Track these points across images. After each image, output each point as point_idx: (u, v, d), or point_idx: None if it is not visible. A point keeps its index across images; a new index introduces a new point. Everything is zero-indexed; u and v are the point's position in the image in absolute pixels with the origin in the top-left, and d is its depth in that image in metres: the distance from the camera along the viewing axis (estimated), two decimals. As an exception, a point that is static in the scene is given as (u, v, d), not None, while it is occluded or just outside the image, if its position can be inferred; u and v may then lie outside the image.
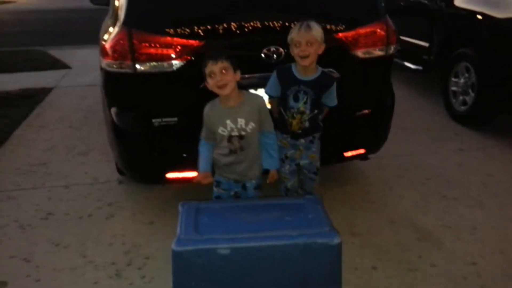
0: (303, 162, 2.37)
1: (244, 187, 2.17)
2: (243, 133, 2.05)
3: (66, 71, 6.32)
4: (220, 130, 2.04)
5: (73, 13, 13.14)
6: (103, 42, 2.49)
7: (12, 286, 2.16)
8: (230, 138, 2.05)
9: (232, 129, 2.04)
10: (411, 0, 5.10)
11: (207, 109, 2.07)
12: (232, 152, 2.08)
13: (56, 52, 7.35)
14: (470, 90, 4.05)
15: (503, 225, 2.65)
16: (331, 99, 2.28)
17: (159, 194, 2.96)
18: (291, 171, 2.37)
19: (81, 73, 6.12)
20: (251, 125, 2.05)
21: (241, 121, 2.03)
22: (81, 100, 4.95)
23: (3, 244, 2.47)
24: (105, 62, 2.44)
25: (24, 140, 3.87)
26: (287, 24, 2.38)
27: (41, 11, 13.99)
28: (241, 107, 2.04)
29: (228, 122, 2.02)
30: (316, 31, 2.12)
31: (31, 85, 5.43)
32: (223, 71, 1.93)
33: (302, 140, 2.32)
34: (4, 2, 16.28)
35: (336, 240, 1.80)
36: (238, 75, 2.00)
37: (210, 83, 1.98)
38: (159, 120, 2.46)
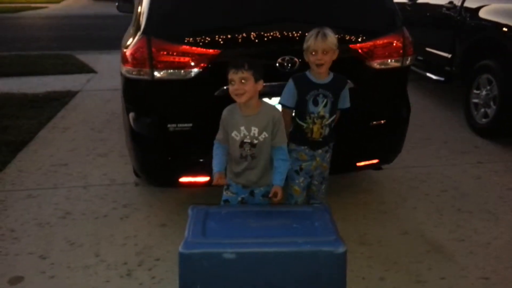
0: (315, 172, 2.37)
1: (252, 193, 2.20)
2: (255, 141, 2.08)
3: (91, 75, 6.53)
4: (234, 134, 2.09)
5: (101, 19, 13.55)
6: (124, 49, 2.58)
7: (28, 281, 2.25)
8: (242, 143, 2.09)
9: (245, 136, 2.08)
10: (435, 11, 5.05)
11: (225, 111, 2.12)
12: (242, 157, 2.11)
13: (83, 57, 7.61)
14: (491, 103, 3.98)
15: (519, 241, 2.59)
16: (344, 101, 2.31)
17: (173, 197, 3.02)
18: (305, 186, 2.37)
19: (106, 77, 6.31)
20: (264, 134, 2.08)
21: (254, 130, 2.07)
22: (105, 104, 5.11)
23: (22, 241, 2.57)
24: (125, 69, 2.53)
25: (48, 141, 4.02)
26: (302, 34, 2.41)
27: (71, 17, 14.49)
28: (256, 116, 2.07)
29: (242, 128, 2.07)
30: (332, 38, 2.16)
31: (58, 88, 5.65)
32: (242, 80, 1.97)
33: (319, 151, 2.32)
34: (37, 8, 16.94)
35: (341, 249, 1.80)
36: (260, 85, 2.03)
37: (230, 89, 2.03)
38: (174, 125, 2.52)
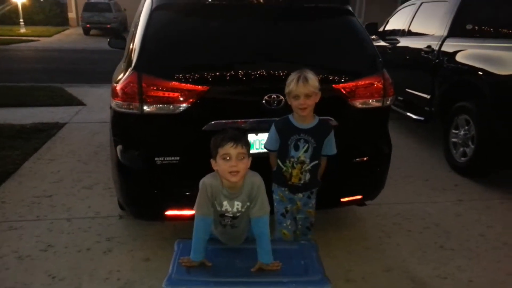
0: (299, 216, 2.39)
1: None
2: (237, 214, 1.99)
3: (80, 107, 6.56)
4: (215, 205, 1.97)
5: (91, 53, 13.72)
6: (115, 84, 2.65)
7: (5, 316, 2.20)
8: (223, 215, 1.99)
9: (227, 210, 1.97)
10: (414, 54, 5.29)
11: (207, 181, 1.93)
12: (221, 225, 2.03)
13: (73, 90, 7.65)
14: (470, 142, 4.12)
15: (500, 278, 2.62)
16: (330, 147, 2.30)
17: (158, 231, 3.00)
18: (293, 228, 2.37)
19: (94, 110, 6.35)
20: (246, 204, 1.97)
21: (237, 205, 1.95)
22: (92, 136, 5.12)
23: (0, 275, 2.51)
24: (115, 102, 2.58)
25: (32, 173, 3.99)
26: (289, 73, 2.51)
27: (62, 50, 14.63)
28: (241, 191, 1.94)
29: (225, 203, 1.95)
30: (313, 82, 2.17)
31: (46, 120, 5.65)
32: (241, 157, 1.82)
33: (300, 195, 2.33)
34: (29, 41, 17.09)
35: (326, 288, 1.81)
36: (249, 162, 1.89)
37: (222, 166, 1.83)
38: (161, 158, 2.56)
